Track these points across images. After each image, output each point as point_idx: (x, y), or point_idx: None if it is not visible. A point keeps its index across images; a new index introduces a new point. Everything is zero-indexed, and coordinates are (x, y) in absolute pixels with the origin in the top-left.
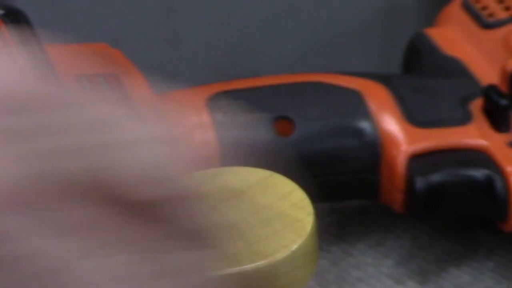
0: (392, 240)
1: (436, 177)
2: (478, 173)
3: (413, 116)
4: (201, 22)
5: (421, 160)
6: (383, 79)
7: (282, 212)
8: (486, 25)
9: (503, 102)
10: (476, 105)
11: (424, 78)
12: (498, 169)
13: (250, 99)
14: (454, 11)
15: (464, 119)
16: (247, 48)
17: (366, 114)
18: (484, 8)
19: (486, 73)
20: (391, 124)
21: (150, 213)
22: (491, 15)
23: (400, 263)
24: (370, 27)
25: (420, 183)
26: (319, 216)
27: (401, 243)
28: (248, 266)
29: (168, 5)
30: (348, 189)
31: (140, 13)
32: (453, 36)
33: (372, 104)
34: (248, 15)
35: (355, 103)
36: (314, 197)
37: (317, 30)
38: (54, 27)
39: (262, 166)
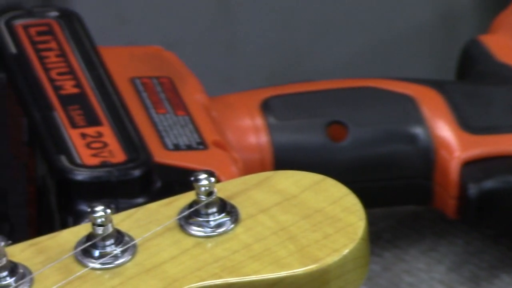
0: (445, 246)
1: (488, 184)
2: None
3: (467, 123)
4: (258, 27)
5: (474, 167)
6: (437, 85)
7: (334, 216)
8: None
9: None
10: None
11: (478, 85)
12: None
13: (304, 103)
14: (509, 18)
15: None
16: (303, 53)
17: (419, 119)
18: None
19: None
20: (445, 130)
21: None
22: None
23: (452, 269)
24: (426, 33)
25: (472, 189)
26: (372, 221)
27: (453, 249)
28: (299, 270)
29: (225, 9)
30: (401, 195)
31: (198, 16)
32: (507, 43)
33: (426, 110)
34: (305, 20)
35: (409, 109)
36: (367, 202)
37: (373, 36)
38: (110, 30)
39: (315, 170)
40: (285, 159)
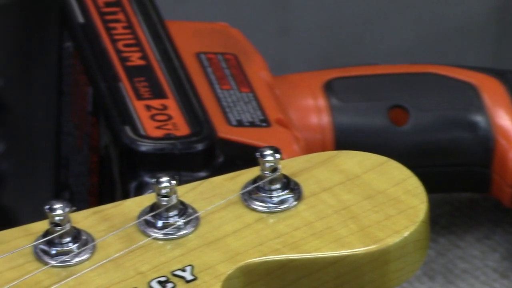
0: (500, 235)
1: None
2: None
3: None
4: (312, 11)
5: None
6: (498, 74)
7: (396, 198)
8: None
9: None
10: None
11: None
12: None
13: (367, 86)
14: None
15: None
16: (356, 41)
17: (480, 107)
18: None
19: None
20: (505, 119)
21: None
22: None
23: (507, 258)
24: (483, 25)
25: None
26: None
27: (508, 238)
28: (360, 249)
29: None
30: (458, 181)
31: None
32: None
33: (487, 98)
34: (360, 8)
35: (470, 96)
36: (425, 188)
37: (428, 26)
38: (171, 6)
39: (375, 153)
40: (345, 140)
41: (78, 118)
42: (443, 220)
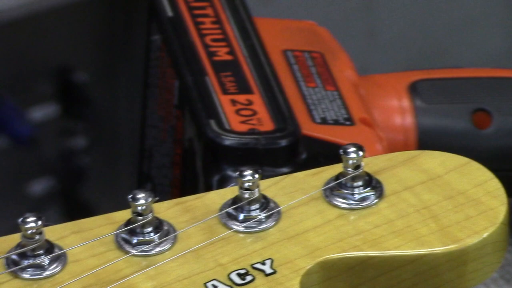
0: None
1: None
2: None
3: None
4: (399, 17)
5: None
6: None
7: (476, 199)
8: None
9: None
10: None
11: None
12: None
13: (451, 88)
14: None
15: None
16: (442, 46)
17: None
18: None
19: None
20: None
21: None
22: None
23: None
24: None
25: None
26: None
27: None
28: (439, 249)
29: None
30: None
31: (341, 4)
32: None
33: None
34: (446, 14)
35: None
36: (505, 190)
37: None
38: (259, 4)
39: (457, 154)
40: (428, 142)
41: (163, 110)
42: None
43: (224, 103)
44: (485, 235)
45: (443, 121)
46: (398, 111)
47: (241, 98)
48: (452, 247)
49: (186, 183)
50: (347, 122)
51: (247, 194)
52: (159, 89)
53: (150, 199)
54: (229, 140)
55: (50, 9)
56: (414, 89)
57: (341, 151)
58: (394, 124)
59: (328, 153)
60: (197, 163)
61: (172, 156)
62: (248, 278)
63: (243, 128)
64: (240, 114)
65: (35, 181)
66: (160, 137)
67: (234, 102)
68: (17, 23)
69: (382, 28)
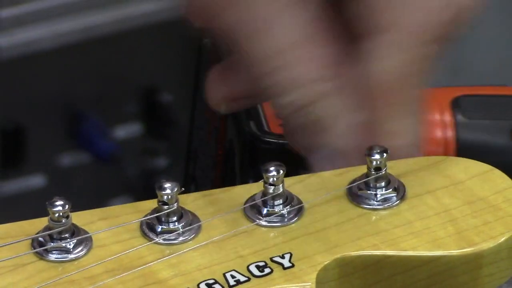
0: None
1: None
2: None
3: None
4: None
5: None
6: None
7: (495, 205)
8: None
9: None
10: None
11: None
12: None
13: (492, 105)
14: None
15: None
16: None
17: None
18: None
19: None
20: None
21: None
22: None
23: None
24: None
25: None
26: None
27: None
28: (455, 252)
29: None
30: None
31: None
32: None
33: None
34: None
35: None
36: None
37: None
38: None
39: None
40: (466, 155)
41: (209, 112)
42: None
43: (265, 105)
44: (501, 240)
45: (483, 136)
46: (440, 124)
47: None
48: (468, 250)
49: (225, 184)
50: None
51: (271, 189)
52: None
53: (175, 189)
54: (266, 142)
55: (140, 27)
56: (456, 104)
57: (365, 152)
58: (434, 137)
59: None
60: (236, 163)
61: (214, 157)
62: (267, 270)
63: (281, 131)
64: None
65: (115, 198)
66: (205, 139)
67: None
68: (107, 40)
69: (466, 64)
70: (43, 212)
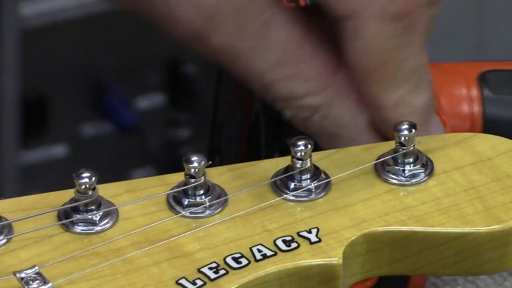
0: None
1: None
2: None
3: None
4: (509, 28)
5: None
6: None
7: None
8: None
9: None
10: None
11: None
12: None
13: None
14: None
15: None
16: None
17: None
18: None
19: None
20: None
21: None
22: None
23: None
24: None
25: None
26: None
27: None
28: (482, 229)
29: (476, 11)
30: None
31: (448, 16)
32: None
33: None
34: None
35: None
36: None
37: None
38: None
39: None
40: (493, 131)
41: (234, 85)
42: None
43: None
44: None
45: (510, 112)
46: (466, 99)
47: None
48: (495, 227)
49: (250, 157)
50: None
51: (299, 164)
52: None
53: (203, 163)
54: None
55: None
56: (483, 79)
57: (394, 128)
58: (461, 112)
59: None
60: (261, 137)
61: (239, 130)
62: (293, 245)
63: None
64: None
65: (138, 169)
66: (230, 111)
67: None
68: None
69: (492, 41)
70: (65, 182)
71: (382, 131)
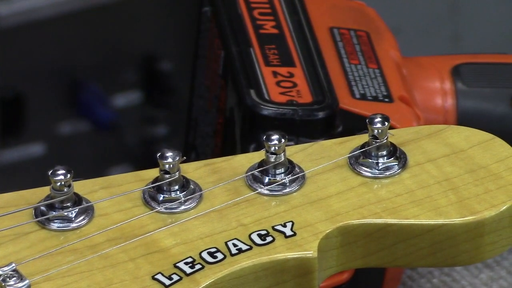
0: None
1: None
2: None
3: None
4: (484, 21)
5: None
6: None
7: (497, 174)
8: None
9: None
10: None
11: None
12: None
13: (493, 73)
14: None
15: None
16: None
17: None
18: None
19: None
20: None
21: None
22: None
23: None
24: None
25: None
26: None
27: None
28: (456, 220)
29: (450, 3)
30: None
31: (422, 10)
32: None
33: None
34: None
35: None
36: None
37: None
38: None
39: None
40: (467, 123)
41: (209, 80)
42: None
43: (266, 74)
44: (503, 208)
45: (483, 104)
46: (440, 92)
47: (283, 70)
48: (469, 218)
49: (225, 152)
50: (386, 99)
51: (273, 158)
52: (207, 60)
53: (177, 158)
54: (267, 110)
55: None
56: (456, 72)
57: (367, 120)
58: (435, 105)
59: (365, 128)
60: (236, 131)
61: (214, 125)
62: (268, 239)
63: (282, 99)
64: (280, 86)
65: (115, 166)
66: (205, 107)
67: (275, 74)
68: (106, 8)
69: (466, 33)
70: (42, 181)
71: None
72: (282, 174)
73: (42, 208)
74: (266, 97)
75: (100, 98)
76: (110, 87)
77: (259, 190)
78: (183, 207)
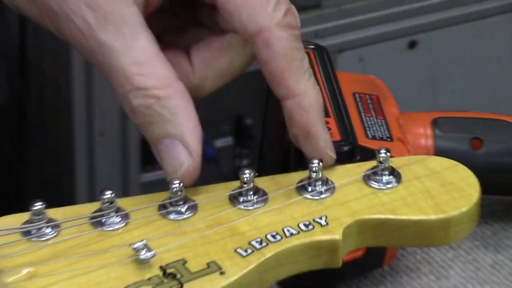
0: None
1: None
2: None
3: None
4: (456, 94)
5: None
6: None
7: (460, 187)
8: None
9: None
10: None
11: None
12: None
13: (459, 123)
14: None
15: None
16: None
17: None
18: None
19: None
20: None
21: None
22: None
23: None
24: None
25: None
26: (489, 203)
27: None
28: (433, 217)
29: (431, 83)
30: None
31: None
32: None
33: None
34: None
35: None
36: (491, 191)
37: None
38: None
39: None
40: (441, 156)
41: (275, 128)
42: (500, 213)
43: None
44: (463, 210)
45: (452, 144)
46: (424, 136)
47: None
48: (441, 216)
49: (284, 172)
50: (388, 139)
51: (314, 175)
52: (274, 113)
53: (252, 174)
54: None
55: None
56: (435, 123)
57: (376, 151)
58: (420, 145)
59: (374, 158)
60: (290, 158)
61: (277, 155)
62: (310, 227)
63: None
64: None
65: None
66: (271, 144)
67: None
68: None
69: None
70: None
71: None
72: (320, 185)
73: (166, 204)
74: None
75: (206, 141)
76: (213, 134)
77: (304, 195)
78: (255, 206)
